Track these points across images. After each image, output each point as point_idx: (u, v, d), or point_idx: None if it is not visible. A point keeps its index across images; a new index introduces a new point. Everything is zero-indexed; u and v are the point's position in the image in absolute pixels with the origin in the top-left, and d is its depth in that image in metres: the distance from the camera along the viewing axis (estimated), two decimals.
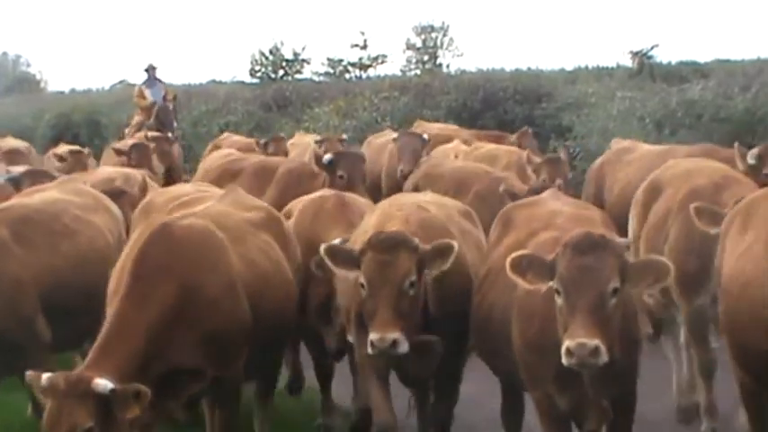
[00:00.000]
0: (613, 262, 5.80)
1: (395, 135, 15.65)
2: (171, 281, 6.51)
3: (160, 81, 22.90)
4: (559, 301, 5.78)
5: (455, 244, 6.68)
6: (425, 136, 14.94)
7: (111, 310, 6.49)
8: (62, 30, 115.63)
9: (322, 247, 7.01)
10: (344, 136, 17.45)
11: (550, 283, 5.85)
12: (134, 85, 43.59)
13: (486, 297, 6.90)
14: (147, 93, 22.19)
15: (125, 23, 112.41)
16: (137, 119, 22.04)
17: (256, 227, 7.68)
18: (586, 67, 29.11)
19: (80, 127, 33.13)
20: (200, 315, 6.57)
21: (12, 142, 18.28)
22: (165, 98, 22.09)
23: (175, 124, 21.98)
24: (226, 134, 19.98)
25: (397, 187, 13.55)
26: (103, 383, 5.90)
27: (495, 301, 6.73)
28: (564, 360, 5.62)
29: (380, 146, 16.22)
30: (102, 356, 6.17)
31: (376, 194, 12.69)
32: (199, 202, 8.17)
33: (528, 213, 7.28)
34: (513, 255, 6.03)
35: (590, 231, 6.04)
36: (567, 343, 5.59)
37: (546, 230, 6.73)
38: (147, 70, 22.61)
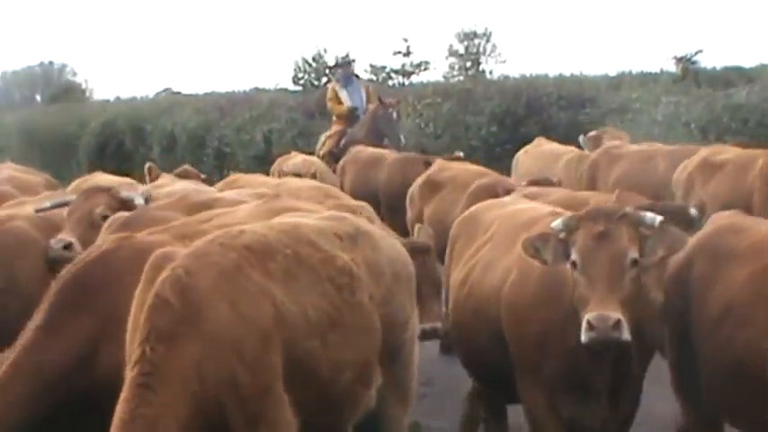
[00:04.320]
0: None
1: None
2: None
3: (358, 78, 18.42)
4: None
5: None
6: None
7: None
8: (107, 38, 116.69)
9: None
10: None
11: None
12: (178, 93, 44.04)
13: (733, 339, 5.74)
14: (344, 95, 17.07)
15: (169, 31, 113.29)
16: (334, 128, 17.15)
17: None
18: (630, 73, 28.80)
19: (125, 134, 33.41)
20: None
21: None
22: (368, 101, 17.05)
23: (402, 140, 16.75)
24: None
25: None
26: None
27: (749, 341, 5.64)
28: None
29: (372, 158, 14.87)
30: None
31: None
32: None
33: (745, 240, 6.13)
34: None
35: None
36: None
37: None
38: (339, 65, 18.40)
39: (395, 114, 16.85)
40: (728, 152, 11.69)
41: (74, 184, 10.35)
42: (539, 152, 15.20)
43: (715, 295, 5.90)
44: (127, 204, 7.80)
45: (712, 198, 11.05)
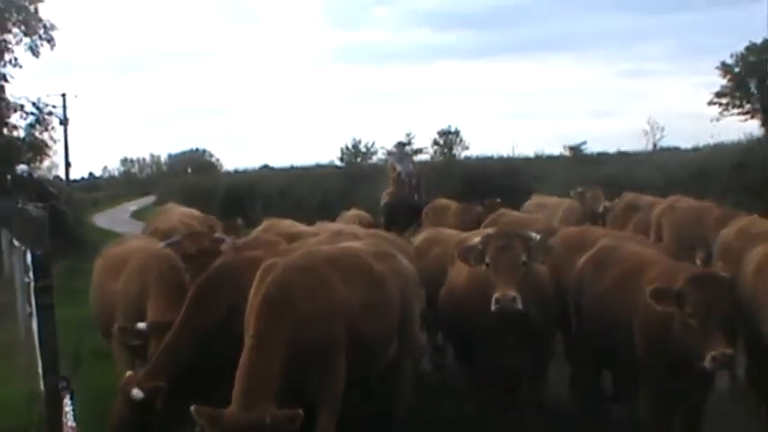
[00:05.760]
0: None
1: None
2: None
3: (408, 155, 17.38)
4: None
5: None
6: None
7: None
8: (230, 133, 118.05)
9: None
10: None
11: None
12: (272, 169, 44.37)
13: (604, 312, 5.84)
14: (398, 166, 16.03)
15: (266, 128, 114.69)
16: (391, 188, 15.98)
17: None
18: (543, 154, 29.39)
19: (240, 191, 33.38)
20: None
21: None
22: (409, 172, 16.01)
23: (415, 196, 15.43)
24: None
25: None
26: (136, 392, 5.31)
27: (612, 314, 5.71)
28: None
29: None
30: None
31: None
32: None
33: (621, 255, 6.12)
34: (653, 286, 5.15)
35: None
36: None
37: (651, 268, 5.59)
38: (396, 146, 17.11)
39: (414, 181, 15.71)
40: (685, 201, 10.68)
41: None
42: (543, 203, 13.96)
43: (597, 287, 6.04)
44: (219, 241, 7.22)
45: (674, 231, 9.93)
